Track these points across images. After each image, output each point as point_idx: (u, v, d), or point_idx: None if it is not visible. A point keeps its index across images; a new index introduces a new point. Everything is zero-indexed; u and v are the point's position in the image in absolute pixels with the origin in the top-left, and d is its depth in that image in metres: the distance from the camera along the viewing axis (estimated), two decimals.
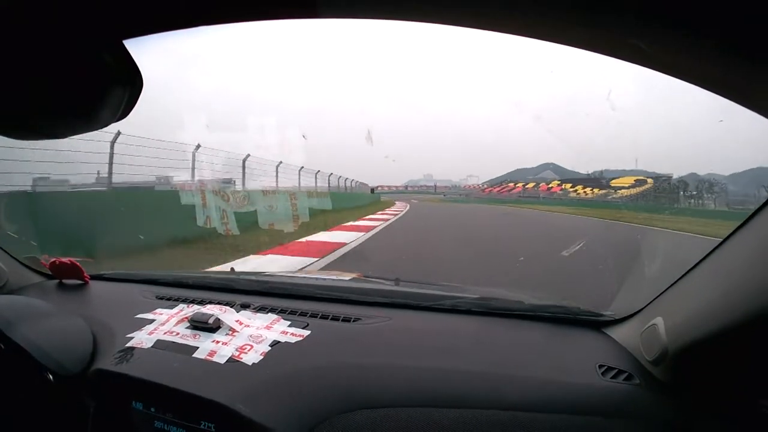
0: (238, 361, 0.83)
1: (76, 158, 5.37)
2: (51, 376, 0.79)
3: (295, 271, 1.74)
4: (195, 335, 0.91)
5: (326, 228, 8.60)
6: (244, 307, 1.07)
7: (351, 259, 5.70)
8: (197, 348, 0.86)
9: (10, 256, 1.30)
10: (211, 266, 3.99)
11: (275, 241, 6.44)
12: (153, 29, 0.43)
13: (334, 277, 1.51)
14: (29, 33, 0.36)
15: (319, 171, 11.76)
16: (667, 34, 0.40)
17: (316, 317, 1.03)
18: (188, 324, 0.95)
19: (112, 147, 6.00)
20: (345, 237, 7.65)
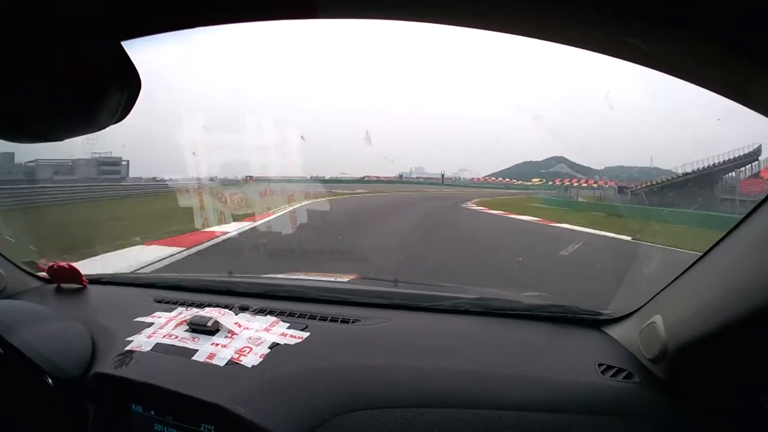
0: (237, 363, 0.82)
1: None
2: (50, 380, 0.78)
3: (295, 274, 1.73)
4: (194, 338, 0.91)
5: None
6: (243, 309, 1.06)
7: None
8: (196, 351, 0.86)
9: (9, 260, 1.29)
10: None
11: None
12: (152, 30, 0.43)
13: (333, 279, 1.50)
14: (27, 35, 0.36)
15: None
16: (667, 34, 0.41)
17: (315, 319, 1.03)
18: (187, 327, 0.95)
19: None
20: None
